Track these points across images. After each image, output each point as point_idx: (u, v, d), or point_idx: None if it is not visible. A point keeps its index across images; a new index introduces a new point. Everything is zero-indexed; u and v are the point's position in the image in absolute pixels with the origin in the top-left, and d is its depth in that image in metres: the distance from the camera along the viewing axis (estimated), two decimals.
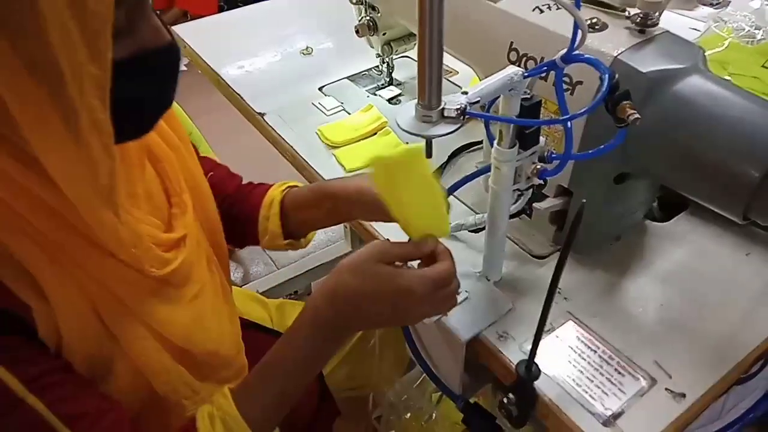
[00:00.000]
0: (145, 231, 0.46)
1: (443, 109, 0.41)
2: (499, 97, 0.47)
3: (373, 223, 0.69)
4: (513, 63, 0.60)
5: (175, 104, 0.46)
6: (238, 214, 0.66)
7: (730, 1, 1.01)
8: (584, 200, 0.38)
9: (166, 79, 0.43)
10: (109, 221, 0.41)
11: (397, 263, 0.48)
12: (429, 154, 0.48)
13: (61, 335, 0.41)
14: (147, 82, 0.41)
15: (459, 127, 0.42)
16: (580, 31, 0.42)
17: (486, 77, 0.45)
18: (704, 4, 1.02)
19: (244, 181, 0.71)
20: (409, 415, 0.79)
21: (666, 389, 0.51)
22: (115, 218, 0.41)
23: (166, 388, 0.48)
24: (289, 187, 0.67)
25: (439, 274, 0.47)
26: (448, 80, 0.97)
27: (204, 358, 0.52)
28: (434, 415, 0.79)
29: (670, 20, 0.97)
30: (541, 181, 0.55)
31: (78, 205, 0.38)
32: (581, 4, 0.56)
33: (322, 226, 0.67)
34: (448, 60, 0.86)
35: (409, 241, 0.49)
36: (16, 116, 0.34)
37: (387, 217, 0.54)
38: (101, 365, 0.44)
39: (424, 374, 0.65)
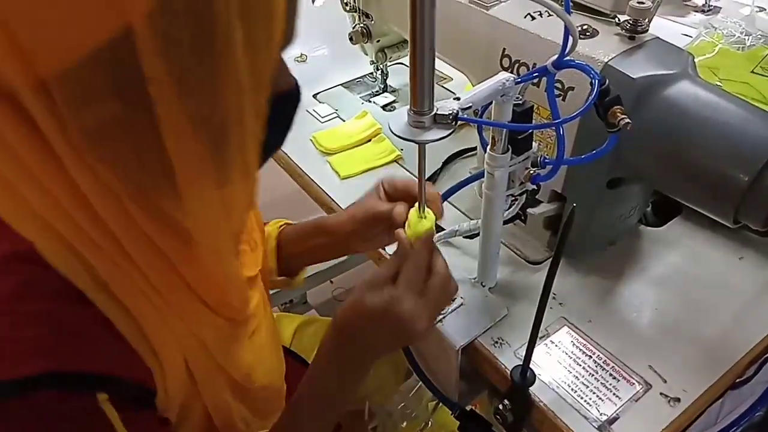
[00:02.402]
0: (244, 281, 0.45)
1: (435, 114, 0.42)
2: (491, 102, 0.47)
3: None
4: (506, 69, 0.60)
5: None
6: None
7: (721, 8, 1.02)
8: (575, 204, 0.38)
9: (291, 123, 0.41)
10: (232, 266, 0.40)
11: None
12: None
13: (168, 392, 0.39)
14: (278, 128, 0.39)
15: (451, 133, 0.42)
16: (570, 38, 0.43)
17: (479, 83, 0.46)
18: (696, 11, 1.03)
19: None
20: (405, 424, 0.79)
21: (661, 394, 0.51)
22: (239, 265, 0.40)
23: (225, 425, 0.47)
24: (286, 224, 0.66)
25: (415, 276, 0.46)
26: (442, 87, 0.97)
27: (258, 392, 0.51)
28: (430, 423, 0.79)
29: (662, 26, 0.98)
30: (535, 186, 0.55)
31: (204, 250, 0.36)
32: (572, 10, 0.57)
33: (318, 260, 0.66)
34: (443, 67, 0.87)
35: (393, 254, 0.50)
36: (177, 173, 0.31)
37: (383, 245, 0.54)
38: (184, 413, 0.43)
39: (421, 382, 0.64)
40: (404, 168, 0.80)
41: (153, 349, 0.37)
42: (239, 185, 0.35)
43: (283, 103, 0.38)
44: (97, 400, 0.34)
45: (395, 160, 0.81)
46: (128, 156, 0.31)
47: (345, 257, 1.45)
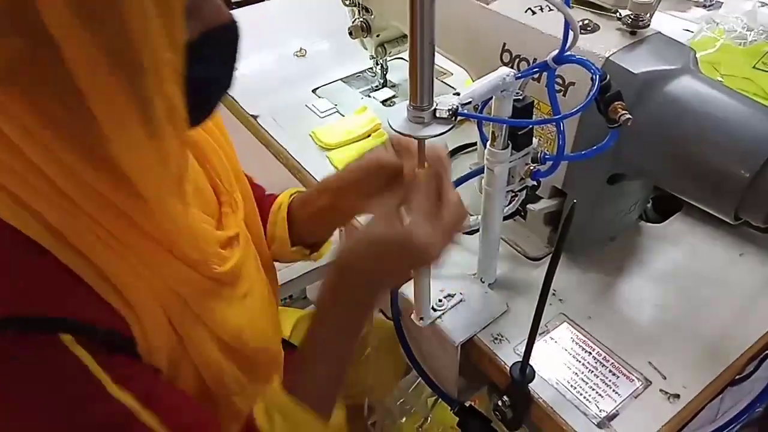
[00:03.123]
0: (205, 228, 0.45)
1: (435, 110, 0.41)
2: (491, 98, 0.47)
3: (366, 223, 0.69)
4: (506, 64, 0.60)
5: None
6: None
7: (722, 3, 1.02)
8: (575, 201, 0.38)
9: (230, 58, 0.42)
10: (178, 213, 0.40)
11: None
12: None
13: (150, 342, 0.40)
14: (212, 63, 0.39)
15: (451, 128, 0.42)
16: (571, 32, 0.42)
17: (479, 78, 0.45)
18: (697, 6, 1.02)
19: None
20: (404, 419, 0.79)
21: (660, 390, 0.51)
22: (184, 210, 0.40)
23: (217, 385, 0.48)
24: (297, 192, 0.65)
25: (427, 202, 0.44)
26: (442, 82, 0.97)
27: (253, 355, 0.51)
28: (429, 418, 0.79)
29: (664, 22, 0.98)
30: (535, 182, 0.55)
31: (149, 199, 0.37)
32: (573, 5, 0.56)
33: (326, 227, 0.63)
34: (443, 62, 0.87)
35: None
36: (94, 111, 0.32)
37: (378, 190, 0.52)
38: (173, 369, 0.44)
39: (420, 378, 0.64)
40: None
41: (124, 298, 0.38)
42: (167, 125, 0.35)
43: (218, 38, 0.39)
44: (60, 341, 0.35)
45: None
46: (48, 98, 0.32)
47: None
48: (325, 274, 0.47)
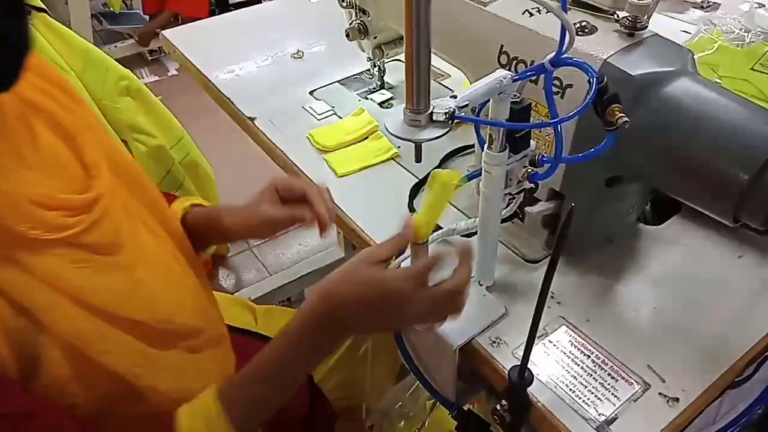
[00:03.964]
0: (33, 192, 0.43)
1: (432, 113, 0.41)
2: (489, 100, 0.47)
3: (365, 229, 0.69)
4: (503, 66, 0.59)
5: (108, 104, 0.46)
6: None
7: (720, 4, 1.02)
8: (573, 204, 0.37)
9: (10, 9, 0.40)
10: None
11: (387, 262, 0.48)
12: (418, 158, 0.48)
13: None
14: None
15: (448, 131, 0.42)
16: (568, 35, 0.42)
17: (476, 80, 0.45)
18: (695, 7, 1.02)
19: (235, 186, 0.71)
20: (402, 423, 0.78)
21: (659, 393, 0.51)
22: None
23: (107, 357, 0.46)
24: (192, 204, 0.67)
25: (425, 266, 0.47)
26: (439, 84, 0.97)
27: (155, 326, 0.51)
28: (427, 422, 0.79)
29: (662, 23, 0.98)
30: (532, 185, 0.54)
31: None
32: (570, 7, 0.56)
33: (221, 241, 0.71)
34: (440, 63, 0.86)
35: (392, 238, 0.50)
36: None
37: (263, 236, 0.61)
38: (26, 345, 0.42)
39: (418, 382, 0.64)
40: (401, 165, 0.79)
41: None
42: None
43: None
44: None
45: (392, 158, 0.80)
46: None
47: (342, 255, 1.45)
48: (310, 298, 0.49)
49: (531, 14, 0.58)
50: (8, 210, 0.42)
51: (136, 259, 0.51)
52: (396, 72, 0.97)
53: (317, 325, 0.49)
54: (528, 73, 0.47)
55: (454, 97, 0.43)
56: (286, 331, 0.50)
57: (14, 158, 0.44)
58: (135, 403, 0.49)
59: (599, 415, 0.49)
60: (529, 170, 0.52)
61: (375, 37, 0.87)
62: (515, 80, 0.45)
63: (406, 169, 0.79)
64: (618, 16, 0.54)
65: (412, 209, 0.71)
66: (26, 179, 0.44)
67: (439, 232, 0.64)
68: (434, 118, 0.41)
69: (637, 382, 0.51)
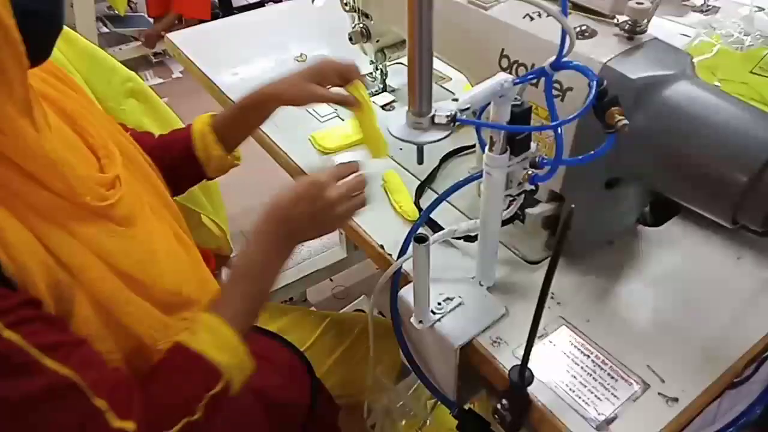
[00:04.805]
0: (74, 163, 0.48)
1: (434, 116, 0.42)
2: (490, 103, 0.47)
3: (365, 228, 0.69)
4: (504, 70, 0.60)
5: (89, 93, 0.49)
6: (170, 161, 0.71)
7: (719, 8, 1.02)
8: (573, 206, 0.38)
9: None
10: (31, 135, 0.43)
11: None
12: (420, 160, 0.49)
13: (18, 263, 0.41)
14: None
15: (449, 134, 0.42)
16: (568, 39, 0.43)
17: (478, 84, 0.46)
18: (694, 11, 1.03)
19: (238, 187, 0.73)
20: (404, 422, 0.79)
21: (659, 393, 0.51)
22: (37, 136, 0.43)
23: (130, 319, 0.49)
24: (211, 116, 0.74)
25: (337, 168, 0.58)
26: (441, 87, 0.97)
27: (166, 296, 0.54)
28: (428, 421, 0.79)
29: (661, 27, 0.98)
30: (533, 187, 0.55)
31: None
32: (571, 11, 0.57)
33: (252, 131, 0.78)
34: (442, 67, 0.87)
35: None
36: None
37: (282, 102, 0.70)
38: (63, 298, 0.45)
39: (419, 381, 0.64)
40: (401, 166, 0.80)
41: None
42: (5, 47, 0.39)
43: None
44: None
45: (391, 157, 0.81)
46: None
47: (345, 256, 1.45)
48: (260, 213, 0.56)
49: (532, 18, 0.58)
50: (76, 182, 0.46)
51: (146, 237, 0.54)
52: (398, 75, 0.98)
53: (265, 231, 0.56)
54: (529, 77, 0.47)
55: (456, 100, 0.44)
56: (249, 240, 0.56)
57: (30, 119, 0.47)
58: (151, 363, 0.51)
59: (599, 414, 0.50)
60: (530, 172, 0.53)
61: (377, 41, 0.88)
62: (516, 83, 0.46)
63: (406, 168, 0.79)
64: (618, 20, 0.55)
65: (419, 208, 0.71)
66: (56, 146, 0.47)
67: (441, 233, 0.64)
68: (436, 120, 0.42)
69: (636, 382, 0.52)
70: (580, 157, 0.48)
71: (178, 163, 0.73)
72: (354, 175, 0.59)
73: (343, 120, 0.90)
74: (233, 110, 0.73)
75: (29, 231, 0.43)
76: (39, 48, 0.45)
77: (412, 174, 0.78)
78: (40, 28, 0.44)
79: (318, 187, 0.56)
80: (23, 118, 0.43)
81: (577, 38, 0.54)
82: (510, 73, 0.59)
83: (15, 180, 0.43)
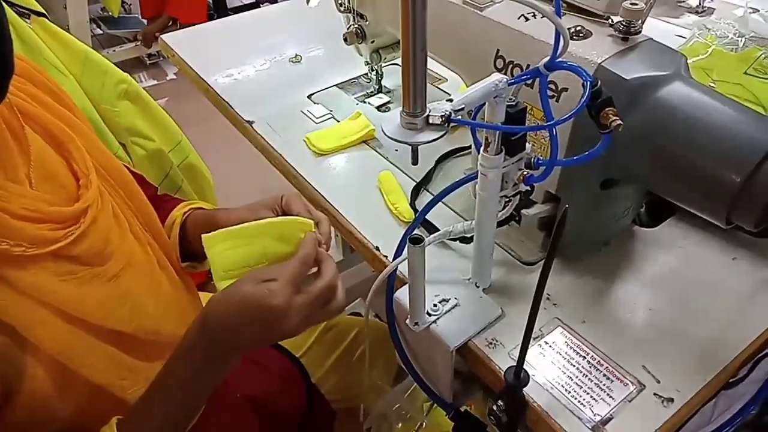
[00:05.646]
0: (20, 206, 0.43)
1: (428, 116, 0.42)
2: (485, 103, 0.47)
3: (363, 232, 0.69)
4: (499, 70, 0.60)
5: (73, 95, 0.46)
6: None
7: (714, 9, 1.03)
8: (567, 206, 0.38)
9: None
10: None
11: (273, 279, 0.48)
12: (415, 161, 0.49)
13: None
14: None
15: (444, 134, 0.42)
16: (562, 39, 0.43)
17: (473, 84, 0.46)
18: (689, 12, 1.03)
19: (234, 189, 0.70)
20: (400, 425, 0.79)
21: (654, 394, 0.51)
22: None
23: (91, 371, 0.46)
24: (192, 208, 0.67)
25: (294, 276, 0.48)
26: (436, 87, 0.97)
27: (145, 337, 0.50)
28: (425, 423, 0.79)
29: (656, 27, 0.99)
30: (528, 188, 0.55)
31: None
32: (565, 12, 0.57)
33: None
34: (437, 67, 0.87)
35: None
36: None
37: None
38: (9, 369, 0.41)
39: (415, 383, 0.64)
40: (396, 167, 0.79)
41: None
42: None
43: None
44: None
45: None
46: None
47: (341, 258, 1.45)
48: (194, 321, 0.49)
49: (526, 19, 0.58)
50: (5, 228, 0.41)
51: (124, 269, 0.50)
52: (393, 76, 0.98)
53: (200, 348, 0.49)
54: (523, 77, 0.47)
55: (451, 100, 0.44)
56: (178, 350, 0.50)
57: (1, 171, 0.44)
58: (118, 411, 0.49)
59: (594, 415, 0.49)
60: (525, 173, 0.52)
61: (372, 42, 0.88)
62: (511, 84, 0.46)
63: (401, 169, 0.79)
64: (612, 21, 0.55)
65: (414, 209, 0.71)
66: (13, 192, 0.44)
67: (436, 234, 0.64)
68: (431, 121, 0.42)
69: (632, 382, 0.52)
70: (575, 157, 0.48)
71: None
72: (323, 281, 0.49)
73: (338, 121, 0.89)
74: (204, 218, 0.65)
75: None
76: None
77: (407, 175, 0.78)
78: None
79: (276, 315, 0.46)
80: None
81: (572, 39, 0.54)
82: (505, 73, 0.59)
83: None
